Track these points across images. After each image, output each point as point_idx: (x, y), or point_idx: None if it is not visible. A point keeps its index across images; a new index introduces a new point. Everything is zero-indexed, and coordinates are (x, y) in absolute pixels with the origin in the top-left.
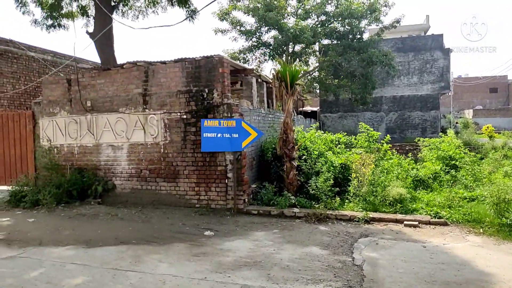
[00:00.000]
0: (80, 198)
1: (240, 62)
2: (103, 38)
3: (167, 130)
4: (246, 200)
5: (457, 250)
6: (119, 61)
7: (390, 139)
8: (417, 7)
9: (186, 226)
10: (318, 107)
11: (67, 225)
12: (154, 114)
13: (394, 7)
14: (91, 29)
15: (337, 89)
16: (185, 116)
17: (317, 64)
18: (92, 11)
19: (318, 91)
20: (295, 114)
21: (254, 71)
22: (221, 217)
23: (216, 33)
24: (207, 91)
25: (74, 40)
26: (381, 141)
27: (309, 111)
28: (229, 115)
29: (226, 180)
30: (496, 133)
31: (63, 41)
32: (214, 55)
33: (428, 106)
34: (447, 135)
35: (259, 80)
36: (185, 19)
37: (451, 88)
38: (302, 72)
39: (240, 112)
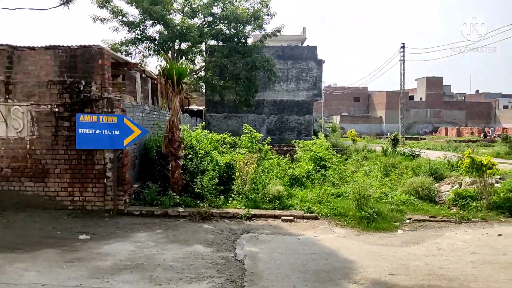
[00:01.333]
0: None
1: (121, 54)
2: None
3: (35, 124)
4: (128, 200)
5: (326, 242)
6: None
7: (271, 140)
8: (295, 19)
9: (57, 230)
10: (204, 107)
11: None
12: (19, 105)
13: (276, 17)
14: None
15: (222, 90)
16: (57, 109)
17: (204, 64)
18: None
19: (204, 90)
20: (181, 113)
21: (139, 66)
22: (99, 219)
23: (94, 21)
24: (84, 83)
25: None
26: (263, 142)
27: (195, 110)
28: (109, 110)
29: (105, 179)
30: (358, 137)
31: None
32: (93, 45)
33: (303, 111)
34: (318, 137)
35: (143, 75)
36: (61, 4)
37: (323, 95)
38: (188, 70)
39: (122, 108)
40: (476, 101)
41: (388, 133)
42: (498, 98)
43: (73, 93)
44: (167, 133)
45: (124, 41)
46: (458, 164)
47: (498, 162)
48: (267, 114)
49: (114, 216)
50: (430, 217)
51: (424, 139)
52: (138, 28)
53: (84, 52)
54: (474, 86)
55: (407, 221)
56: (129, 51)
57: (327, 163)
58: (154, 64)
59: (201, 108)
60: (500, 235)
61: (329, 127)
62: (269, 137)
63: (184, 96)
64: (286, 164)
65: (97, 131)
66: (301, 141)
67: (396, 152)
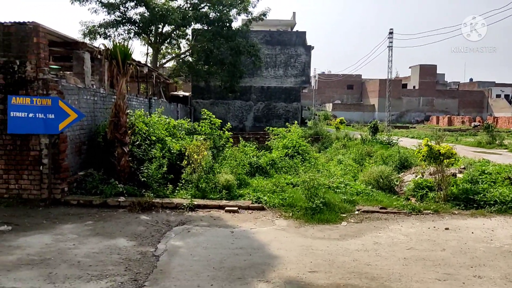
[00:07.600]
0: None
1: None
2: None
3: None
4: (67, 189)
5: (260, 235)
6: None
7: (231, 126)
8: (287, 3)
9: None
10: (190, 93)
11: None
12: None
13: (266, 1)
14: None
15: (207, 75)
16: None
17: (189, 48)
18: None
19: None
20: (162, 98)
21: (89, 45)
22: (31, 208)
23: (72, 2)
24: (18, 63)
25: None
26: (223, 128)
27: (181, 95)
28: (45, 92)
29: (41, 166)
30: (348, 125)
31: None
32: (28, 22)
33: (291, 98)
34: (307, 125)
35: (99, 56)
36: None
37: (312, 82)
38: (173, 54)
39: (59, 90)
40: (469, 90)
41: (378, 122)
42: (491, 87)
43: (7, 74)
44: (113, 118)
45: (103, 23)
46: (415, 153)
47: (478, 152)
48: (254, 101)
49: (49, 205)
50: (380, 208)
51: (414, 127)
52: (118, 10)
53: (18, 29)
54: (468, 75)
55: (356, 212)
56: (108, 34)
57: (300, 150)
58: (137, 48)
59: (187, 94)
60: (447, 228)
61: (320, 115)
62: (254, 123)
63: (162, 80)
64: (252, 152)
65: (30, 115)
66: (275, 128)
67: (375, 141)
